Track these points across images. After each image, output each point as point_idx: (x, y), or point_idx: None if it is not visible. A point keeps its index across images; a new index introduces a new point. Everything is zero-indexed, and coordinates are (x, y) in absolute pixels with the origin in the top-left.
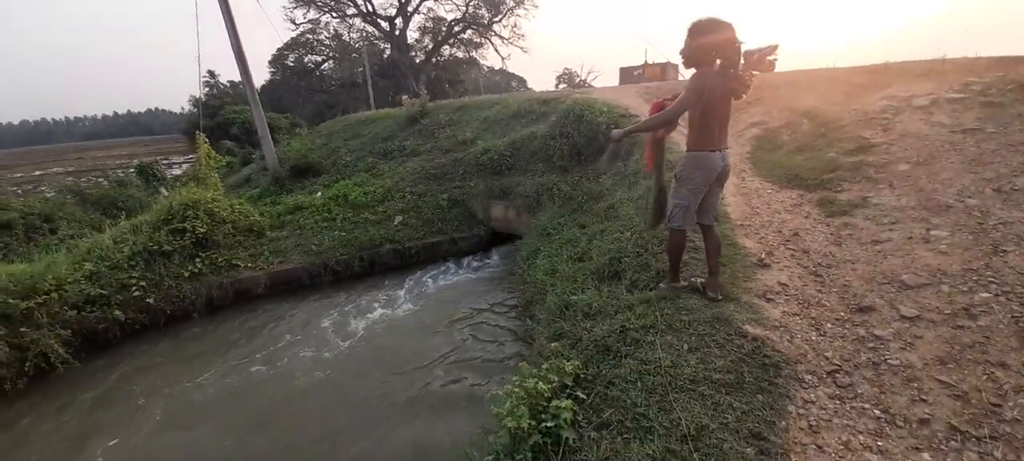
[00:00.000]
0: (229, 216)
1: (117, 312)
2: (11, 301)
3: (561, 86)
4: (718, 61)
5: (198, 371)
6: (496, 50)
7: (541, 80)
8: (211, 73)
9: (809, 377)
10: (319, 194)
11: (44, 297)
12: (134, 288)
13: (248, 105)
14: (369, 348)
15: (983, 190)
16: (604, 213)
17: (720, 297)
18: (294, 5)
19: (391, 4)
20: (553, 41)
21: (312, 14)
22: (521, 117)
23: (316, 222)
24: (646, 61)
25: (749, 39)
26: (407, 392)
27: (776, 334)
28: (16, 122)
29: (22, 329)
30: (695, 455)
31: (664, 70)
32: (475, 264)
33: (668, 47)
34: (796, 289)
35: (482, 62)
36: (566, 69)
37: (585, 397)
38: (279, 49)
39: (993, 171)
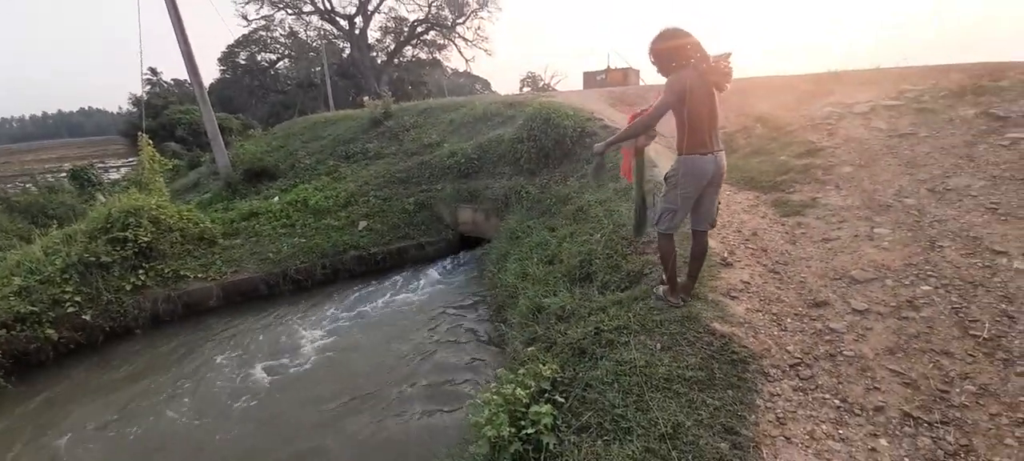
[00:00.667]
0: (176, 223)
1: (49, 331)
2: None
3: (525, 89)
4: (691, 60)
5: (128, 397)
6: (460, 52)
7: (505, 83)
8: (153, 70)
9: (774, 371)
10: (276, 199)
11: None
12: (68, 304)
13: (196, 105)
14: (331, 361)
15: (919, 190)
16: (573, 216)
17: (681, 303)
18: (246, 0)
19: (350, 2)
20: (517, 45)
21: (265, 10)
22: (487, 120)
23: (273, 229)
24: (609, 66)
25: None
26: (375, 405)
27: (742, 330)
28: None
29: None
30: (673, 453)
31: (626, 75)
32: (444, 269)
33: (630, 53)
34: (757, 286)
35: (446, 64)
36: (530, 73)
37: (563, 401)
38: (229, 46)
39: (927, 172)
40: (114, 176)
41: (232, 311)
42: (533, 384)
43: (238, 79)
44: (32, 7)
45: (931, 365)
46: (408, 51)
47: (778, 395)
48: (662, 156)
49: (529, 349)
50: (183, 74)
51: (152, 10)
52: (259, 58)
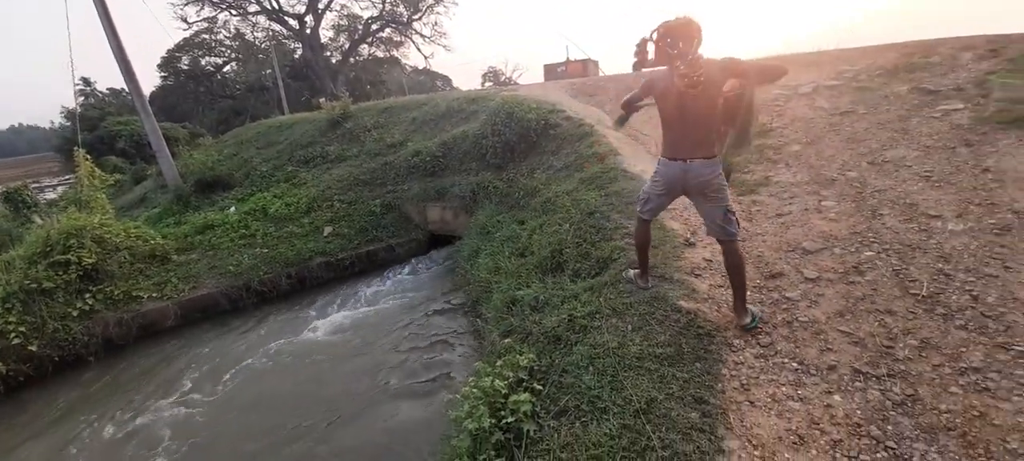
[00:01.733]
0: (124, 242)
1: None
2: None
3: (487, 84)
4: (674, 55)
5: (82, 426)
6: (418, 49)
7: (467, 79)
8: (86, 80)
9: (737, 341)
10: (232, 209)
11: None
12: (12, 335)
13: (136, 115)
14: (303, 371)
15: (860, 163)
16: (541, 207)
17: (648, 287)
18: (185, 2)
19: (300, 1)
20: (477, 40)
21: (207, 12)
22: (450, 116)
23: (232, 240)
24: (568, 58)
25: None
26: (354, 411)
27: (706, 306)
28: None
29: None
30: (648, 426)
31: (585, 66)
32: (416, 269)
33: (588, 44)
34: (719, 263)
35: (404, 62)
36: (491, 67)
37: (541, 388)
38: (170, 51)
39: (866, 147)
40: (51, 195)
41: (192, 329)
42: (511, 374)
43: (182, 85)
44: None
45: (877, 324)
46: (364, 49)
47: (742, 363)
48: (640, 158)
49: (506, 341)
50: (119, 82)
51: (81, 16)
52: (203, 62)
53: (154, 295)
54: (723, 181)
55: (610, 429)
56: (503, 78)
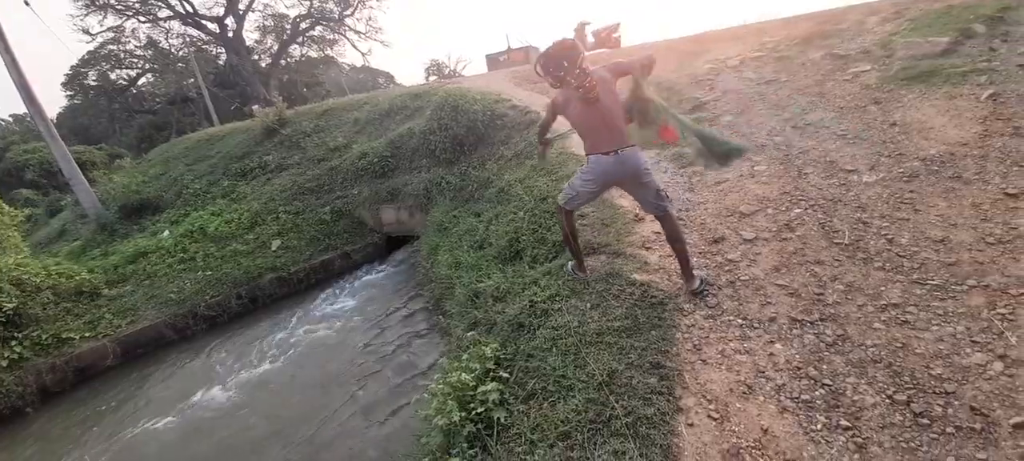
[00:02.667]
0: (45, 281)
1: None
2: None
3: (431, 78)
4: (563, 76)
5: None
6: (354, 45)
7: (410, 74)
8: None
9: (687, 306)
10: (166, 233)
11: None
12: None
13: (42, 142)
14: (265, 392)
15: (785, 128)
16: (496, 198)
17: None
18: (85, 12)
19: (217, 2)
20: (416, 33)
21: (111, 20)
22: (395, 114)
23: (169, 266)
24: (509, 46)
25: (595, 19)
26: (325, 425)
27: (657, 276)
28: None
29: None
30: (611, 397)
31: (527, 53)
32: (375, 273)
33: (528, 31)
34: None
35: (341, 60)
36: (434, 61)
37: (508, 376)
38: (74, 67)
39: (789, 112)
40: None
41: (135, 366)
42: (478, 366)
43: (92, 103)
44: None
45: (808, 274)
46: (295, 50)
47: (693, 326)
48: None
49: (470, 333)
50: (20, 107)
51: None
52: (114, 76)
53: (87, 335)
54: (648, 165)
55: (576, 404)
56: (446, 70)
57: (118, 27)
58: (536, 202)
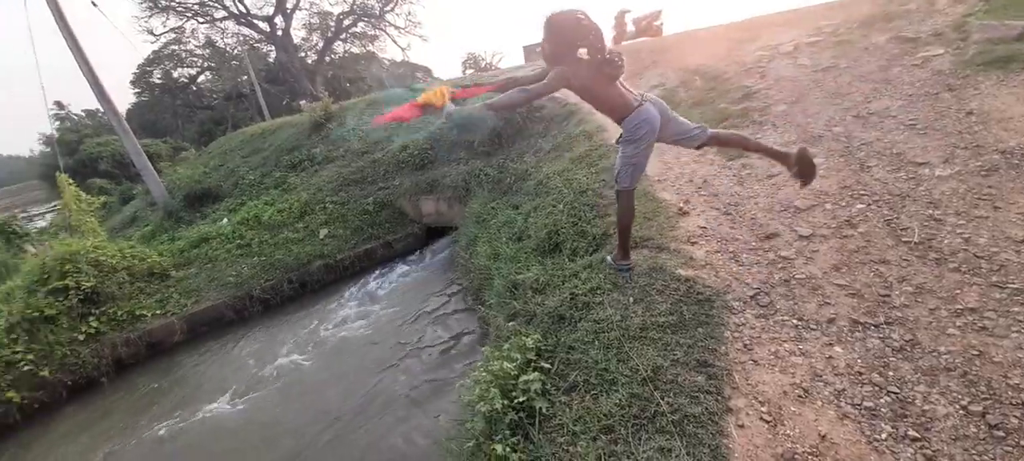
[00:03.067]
0: (120, 263)
1: (10, 394)
2: None
3: (468, 72)
4: (582, 51)
5: (109, 444)
6: (394, 41)
7: (447, 68)
8: (59, 104)
9: (736, 304)
10: (225, 221)
11: None
12: (22, 363)
13: (115, 135)
14: (317, 371)
15: (845, 118)
16: (534, 190)
17: (632, 265)
18: (148, 13)
19: (266, 2)
20: (454, 27)
21: (173, 22)
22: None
23: (228, 252)
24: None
25: (636, 6)
26: (369, 404)
27: (704, 272)
28: None
29: None
30: (656, 393)
31: None
32: (415, 262)
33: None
34: (713, 229)
35: (381, 56)
36: (471, 54)
37: (549, 366)
38: (140, 66)
39: (850, 101)
40: (41, 223)
41: (199, 342)
42: (519, 356)
43: (157, 100)
44: None
45: (872, 274)
46: (339, 47)
47: (743, 324)
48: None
49: (511, 324)
50: (93, 103)
51: (46, 39)
52: (176, 74)
53: (157, 312)
54: None
55: (619, 399)
56: (483, 64)
57: (179, 28)
58: (575, 195)
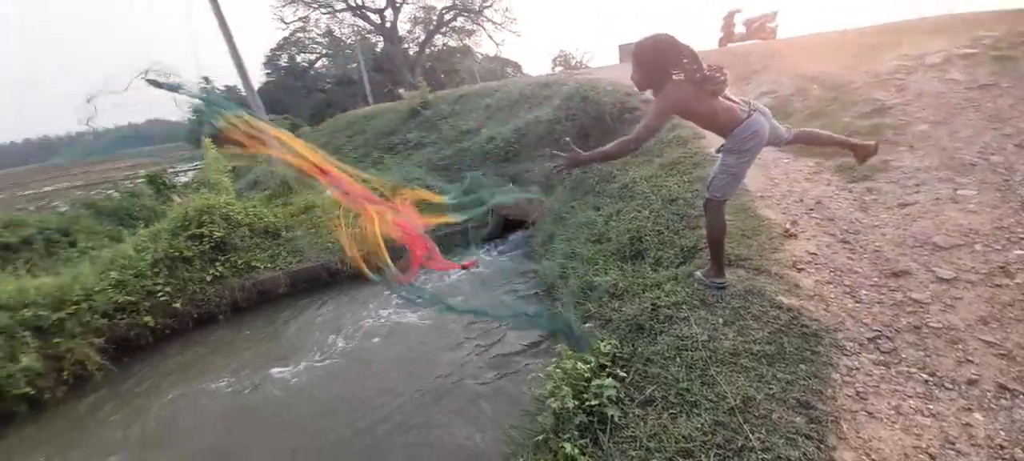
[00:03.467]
0: (244, 219)
1: (147, 318)
2: (41, 313)
3: (557, 69)
4: (674, 73)
5: (230, 370)
6: (489, 36)
7: (536, 64)
8: (206, 79)
9: (850, 344)
10: (328, 193)
11: (74, 307)
12: (160, 294)
13: (247, 109)
14: (393, 339)
15: (1005, 146)
16: (618, 194)
17: (726, 284)
18: (283, 3)
19: None
20: (546, 24)
21: (301, 11)
22: (523, 102)
23: (329, 220)
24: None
25: (748, 6)
26: (439, 378)
27: (812, 304)
28: (19, 141)
29: (56, 340)
30: (745, 426)
31: None
32: (490, 251)
33: (666, 22)
34: (826, 257)
35: (476, 50)
36: (561, 51)
37: (624, 375)
38: (272, 50)
39: (1013, 126)
40: (184, 179)
41: (299, 297)
42: (593, 359)
43: (282, 81)
44: (88, 29)
45: None
46: (438, 40)
47: (857, 369)
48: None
49: (586, 326)
50: (232, 80)
51: (201, 25)
52: (299, 59)
53: (268, 266)
54: None
55: (701, 424)
56: (573, 62)
57: (305, 17)
58: (664, 203)
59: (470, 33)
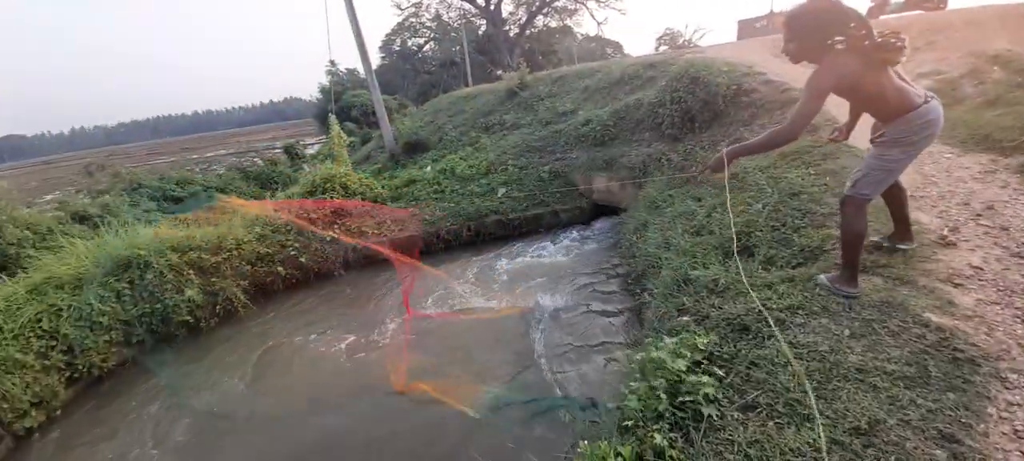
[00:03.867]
0: (358, 189)
1: (279, 268)
2: (204, 257)
3: (662, 49)
4: (837, 42)
5: (334, 316)
6: (591, 15)
7: (638, 45)
8: (332, 62)
9: (1014, 377)
10: (429, 168)
11: (227, 254)
12: (290, 249)
13: (364, 89)
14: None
15: None
16: (724, 185)
17: (857, 293)
18: None
19: None
20: (650, 1)
21: None
22: (624, 84)
23: (428, 194)
24: (772, 9)
25: None
26: (530, 352)
27: (969, 325)
28: (189, 113)
29: (213, 279)
30: (869, 451)
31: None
32: (577, 236)
33: None
34: (994, 273)
35: (576, 30)
36: (668, 29)
37: (724, 375)
38: (387, 35)
39: None
40: (311, 151)
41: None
42: (688, 354)
43: (394, 64)
44: (243, 27)
45: None
46: (539, 21)
47: (1019, 406)
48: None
49: (683, 319)
50: (353, 64)
51: (320, 12)
52: (409, 43)
53: (375, 231)
54: None
55: (813, 439)
56: (681, 40)
57: (418, 3)
58: (782, 196)
59: (572, 13)
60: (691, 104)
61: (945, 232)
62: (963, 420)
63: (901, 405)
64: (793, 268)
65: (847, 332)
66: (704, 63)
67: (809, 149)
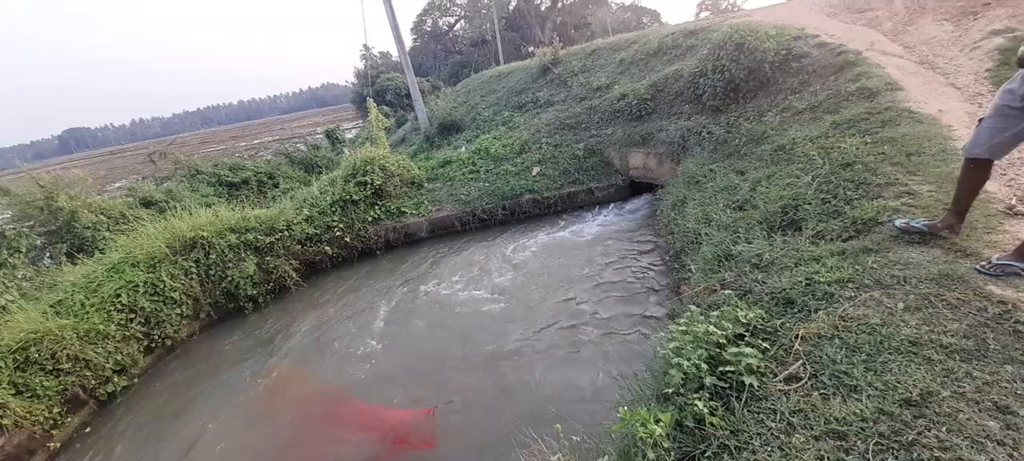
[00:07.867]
0: (396, 170)
1: (326, 248)
2: (260, 237)
3: (703, 14)
4: None
5: (389, 291)
6: None
7: (678, 12)
8: (366, 46)
9: None
10: (463, 149)
11: (280, 234)
12: (336, 229)
13: (398, 72)
14: (523, 282)
15: None
16: (771, 157)
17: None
18: None
19: None
20: None
21: None
22: (663, 54)
23: (463, 174)
24: None
25: None
26: (562, 323)
27: None
28: (235, 102)
29: (267, 258)
30: (920, 421)
31: None
32: (613, 213)
33: None
34: None
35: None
36: None
37: (768, 347)
38: (418, 16)
39: None
40: (350, 135)
41: (436, 241)
42: (729, 326)
43: (425, 45)
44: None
45: None
46: None
47: None
48: (935, 93)
49: (726, 292)
50: (386, 47)
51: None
52: (440, 23)
53: (413, 212)
54: None
55: (861, 410)
56: (725, 4)
57: None
58: (834, 167)
59: None
60: (735, 73)
61: (1013, 201)
62: (1020, 392)
63: (956, 377)
64: (845, 241)
65: (901, 305)
66: (750, 28)
67: (866, 116)
